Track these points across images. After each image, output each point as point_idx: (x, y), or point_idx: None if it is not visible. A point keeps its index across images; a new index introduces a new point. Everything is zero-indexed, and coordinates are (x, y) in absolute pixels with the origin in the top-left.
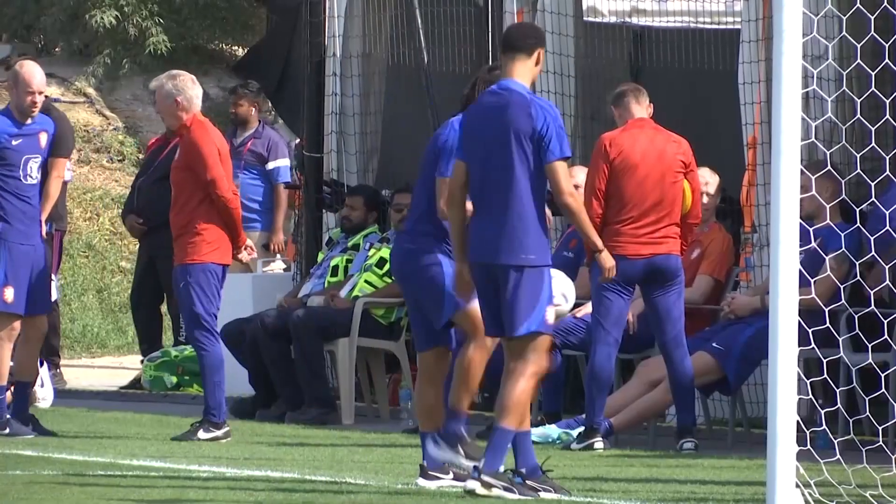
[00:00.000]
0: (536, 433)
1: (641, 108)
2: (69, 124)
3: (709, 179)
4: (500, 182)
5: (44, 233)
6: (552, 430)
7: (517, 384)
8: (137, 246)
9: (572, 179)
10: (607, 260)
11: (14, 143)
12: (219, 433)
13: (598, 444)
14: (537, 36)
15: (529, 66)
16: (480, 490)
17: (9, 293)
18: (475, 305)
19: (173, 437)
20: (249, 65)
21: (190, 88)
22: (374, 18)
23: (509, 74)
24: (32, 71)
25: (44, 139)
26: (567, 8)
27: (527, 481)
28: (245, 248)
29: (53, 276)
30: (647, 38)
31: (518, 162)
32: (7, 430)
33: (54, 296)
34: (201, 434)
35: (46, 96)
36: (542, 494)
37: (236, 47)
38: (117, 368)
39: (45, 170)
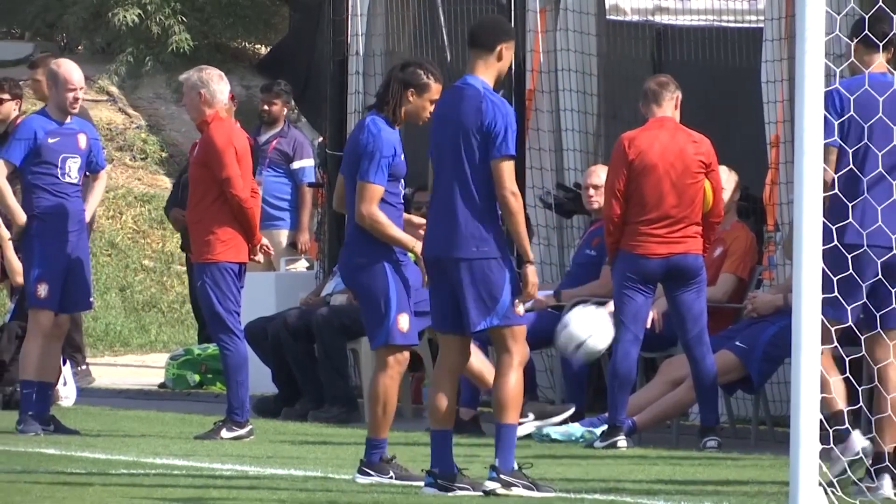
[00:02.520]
0: (559, 432)
1: (662, 108)
2: (91, 122)
3: (725, 177)
4: (451, 176)
5: None
6: (575, 429)
7: (508, 379)
8: (179, 242)
9: (590, 178)
10: (531, 275)
11: (51, 140)
12: (242, 432)
13: (622, 442)
14: (501, 32)
15: (492, 62)
16: (501, 490)
17: (42, 289)
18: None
19: (196, 435)
20: (272, 63)
21: (215, 83)
22: (396, 17)
23: (472, 70)
24: (70, 69)
25: (83, 140)
26: (590, 6)
27: (500, 475)
28: (260, 249)
29: None
30: (670, 37)
31: (466, 156)
32: (21, 426)
33: None
34: (224, 433)
35: None
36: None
37: (259, 45)
38: (140, 367)
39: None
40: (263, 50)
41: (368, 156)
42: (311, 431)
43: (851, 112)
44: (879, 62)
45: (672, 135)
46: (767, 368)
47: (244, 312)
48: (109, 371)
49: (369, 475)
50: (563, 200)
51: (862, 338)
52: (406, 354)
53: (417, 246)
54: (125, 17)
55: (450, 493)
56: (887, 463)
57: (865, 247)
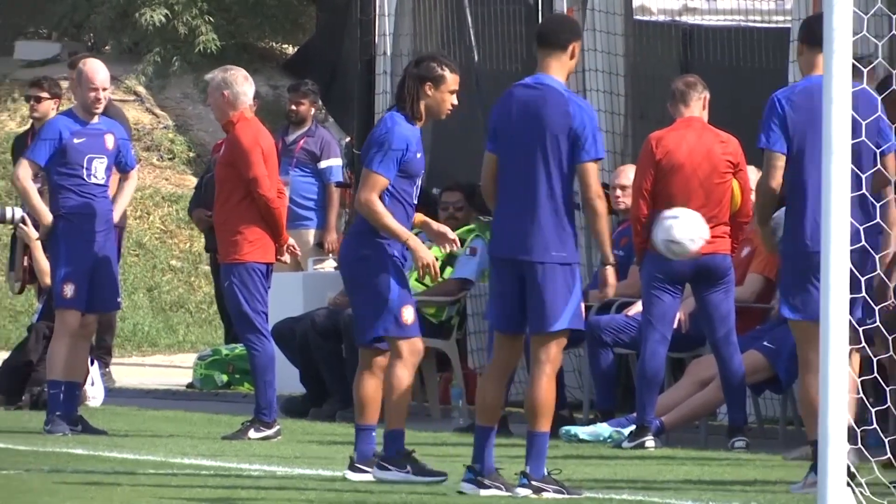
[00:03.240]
0: (587, 432)
1: (689, 108)
2: (126, 122)
3: (753, 178)
4: (533, 177)
5: None
6: (603, 429)
7: (543, 386)
8: (203, 242)
9: (618, 178)
10: (610, 276)
11: (76, 141)
12: (269, 432)
13: (650, 442)
14: (573, 30)
15: (564, 60)
16: (533, 496)
17: (68, 289)
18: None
19: (223, 435)
20: (299, 63)
21: (239, 84)
22: (424, 17)
23: (545, 70)
24: (95, 68)
25: (110, 141)
26: (617, 6)
27: (532, 482)
28: (287, 249)
29: None
30: (697, 37)
31: (552, 158)
32: (48, 426)
33: None
34: (252, 433)
35: None
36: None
37: (286, 45)
38: (168, 367)
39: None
40: (291, 50)
41: (377, 145)
42: (339, 431)
43: (788, 117)
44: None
45: (699, 135)
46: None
47: (272, 313)
48: (137, 371)
49: (387, 469)
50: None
51: (889, 338)
52: (420, 345)
53: (411, 239)
54: (152, 17)
55: (482, 492)
56: None
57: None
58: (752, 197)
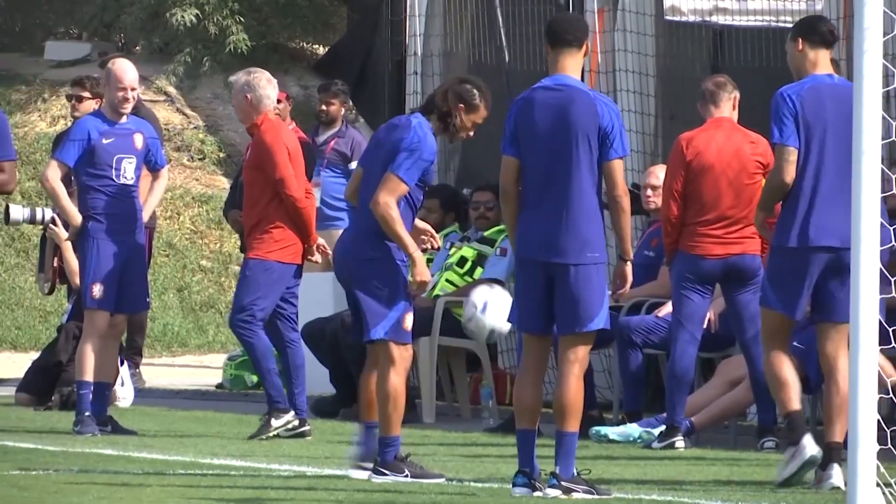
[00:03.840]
0: (617, 432)
1: (719, 108)
2: (157, 122)
3: None
4: (563, 178)
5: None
6: (633, 430)
7: (572, 386)
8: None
9: (649, 178)
10: (628, 272)
11: (105, 141)
12: (289, 416)
13: (679, 443)
14: (585, 27)
15: (579, 58)
16: (563, 496)
17: (97, 289)
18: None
19: (250, 435)
20: (330, 63)
21: (262, 87)
22: (454, 17)
23: (562, 70)
24: (124, 67)
25: (139, 140)
26: (648, 7)
27: (561, 482)
28: (318, 249)
29: None
30: (728, 37)
31: (583, 159)
32: (77, 427)
33: None
34: (273, 423)
35: None
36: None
37: (317, 46)
38: (198, 368)
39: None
40: (321, 50)
41: (409, 153)
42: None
43: (801, 114)
44: (825, 62)
45: (729, 135)
46: None
47: (302, 313)
48: (167, 372)
49: (385, 475)
50: None
51: None
52: (410, 350)
53: (417, 253)
54: (183, 17)
55: (535, 493)
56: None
57: (816, 247)
58: None
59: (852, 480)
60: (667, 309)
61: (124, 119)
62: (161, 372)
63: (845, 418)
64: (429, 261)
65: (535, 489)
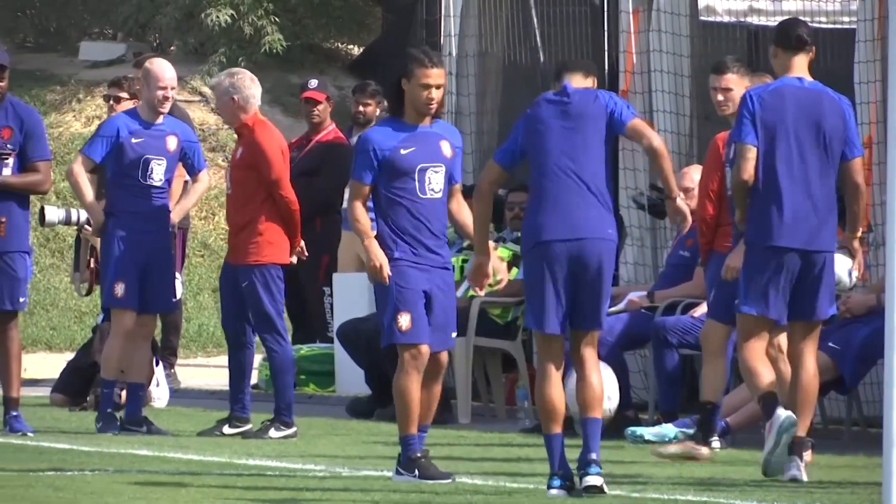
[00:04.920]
0: (653, 433)
1: None
2: (191, 123)
3: None
4: (589, 170)
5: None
6: (668, 430)
7: (597, 375)
8: None
9: (683, 180)
10: (682, 206)
11: (134, 140)
12: (289, 432)
13: (715, 443)
14: (594, 68)
15: (587, 84)
16: (600, 483)
17: (119, 288)
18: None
19: (244, 436)
20: (365, 64)
21: (247, 87)
22: (489, 18)
23: (569, 82)
24: (163, 67)
25: (172, 142)
26: (683, 7)
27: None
28: (297, 251)
29: (177, 274)
30: (763, 38)
31: (598, 154)
32: (99, 424)
33: (178, 293)
34: (273, 433)
35: None
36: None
37: (352, 46)
38: None
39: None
40: (356, 51)
41: (356, 155)
42: None
43: (759, 113)
44: (799, 65)
45: None
46: (861, 369)
47: (337, 314)
48: (202, 372)
49: (401, 475)
50: (657, 201)
51: None
52: (422, 351)
53: (368, 239)
54: (217, 17)
55: (570, 496)
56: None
57: (785, 248)
58: None
59: (888, 480)
60: (702, 309)
61: (160, 119)
62: (196, 372)
63: (808, 414)
64: (465, 261)
65: (570, 491)
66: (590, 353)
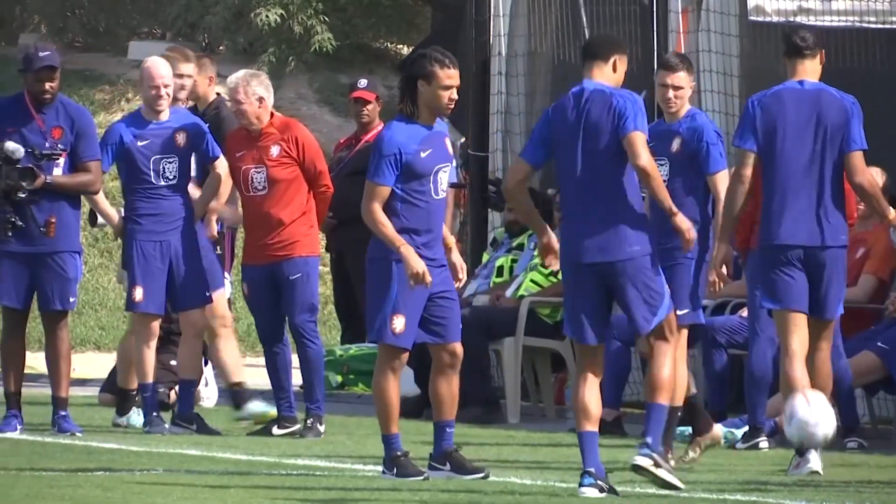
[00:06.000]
0: None
1: None
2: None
3: (878, 179)
4: (603, 181)
5: (214, 232)
6: (717, 429)
7: (664, 362)
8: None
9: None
10: (683, 223)
11: (140, 143)
12: (321, 427)
13: (763, 443)
14: (614, 44)
15: (607, 71)
16: (650, 466)
17: (137, 293)
18: None
19: (275, 433)
20: None
21: (270, 88)
22: (539, 17)
23: (588, 77)
24: (157, 64)
25: (181, 138)
26: (732, 7)
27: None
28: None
29: (227, 275)
30: None
31: (614, 158)
32: (147, 427)
33: (227, 293)
34: (275, 430)
35: (218, 94)
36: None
37: (401, 46)
38: None
39: (202, 167)
40: (406, 50)
41: (372, 155)
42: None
43: (758, 118)
44: (802, 70)
45: None
46: None
47: None
48: (251, 372)
49: (385, 473)
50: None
51: None
52: (403, 356)
53: (403, 247)
54: (267, 17)
55: (603, 494)
56: None
57: (789, 245)
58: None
59: None
60: None
61: (164, 117)
62: (245, 372)
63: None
64: (513, 261)
65: (602, 490)
66: (659, 345)
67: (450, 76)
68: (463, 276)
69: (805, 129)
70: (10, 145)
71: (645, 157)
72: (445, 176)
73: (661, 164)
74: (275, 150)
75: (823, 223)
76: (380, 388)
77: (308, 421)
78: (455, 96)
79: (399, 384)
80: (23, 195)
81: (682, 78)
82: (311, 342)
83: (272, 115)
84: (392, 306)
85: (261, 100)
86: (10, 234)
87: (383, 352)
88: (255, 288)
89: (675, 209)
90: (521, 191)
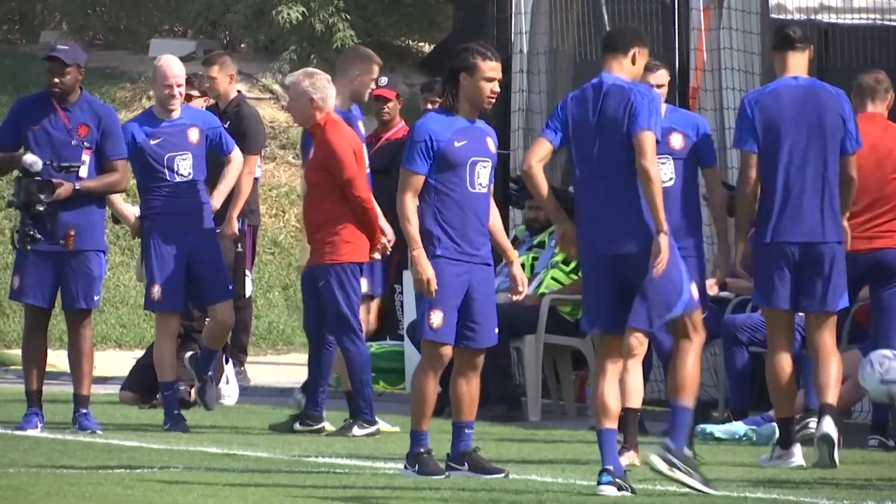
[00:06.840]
0: (722, 430)
1: (875, 104)
2: (260, 120)
3: None
4: (623, 167)
5: (235, 229)
6: (738, 427)
7: (688, 361)
8: None
9: None
10: (663, 244)
11: (153, 142)
12: (372, 429)
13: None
14: (634, 36)
15: (626, 64)
16: (665, 468)
17: (156, 291)
18: None
19: (326, 433)
20: (436, 61)
21: (325, 88)
22: (560, 15)
23: (607, 70)
24: (170, 63)
25: (194, 134)
26: (753, 5)
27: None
28: (380, 247)
29: (248, 272)
30: (833, 35)
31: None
32: (167, 425)
33: (248, 291)
34: (356, 430)
35: (239, 91)
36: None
37: (423, 44)
38: (303, 366)
39: (219, 164)
40: (427, 48)
41: (406, 144)
42: (475, 430)
43: (756, 117)
44: (794, 64)
45: (877, 130)
46: None
47: (407, 311)
48: (272, 370)
49: (407, 469)
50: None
51: None
52: (443, 351)
53: (417, 250)
54: (288, 14)
55: (621, 493)
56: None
57: (787, 242)
58: None
59: None
60: None
61: (176, 115)
62: (266, 370)
63: (835, 387)
64: (534, 259)
65: (620, 488)
66: (683, 343)
67: (492, 68)
68: (523, 289)
69: (806, 126)
70: (29, 158)
71: (649, 159)
72: (485, 171)
73: (663, 163)
74: (312, 153)
75: (825, 218)
76: (418, 384)
77: (346, 420)
78: (497, 89)
79: (437, 382)
80: (41, 208)
81: (663, 76)
82: (346, 349)
83: (325, 116)
84: (429, 301)
85: (311, 99)
86: (28, 247)
87: (424, 348)
88: (303, 285)
89: (663, 226)
90: (540, 171)
